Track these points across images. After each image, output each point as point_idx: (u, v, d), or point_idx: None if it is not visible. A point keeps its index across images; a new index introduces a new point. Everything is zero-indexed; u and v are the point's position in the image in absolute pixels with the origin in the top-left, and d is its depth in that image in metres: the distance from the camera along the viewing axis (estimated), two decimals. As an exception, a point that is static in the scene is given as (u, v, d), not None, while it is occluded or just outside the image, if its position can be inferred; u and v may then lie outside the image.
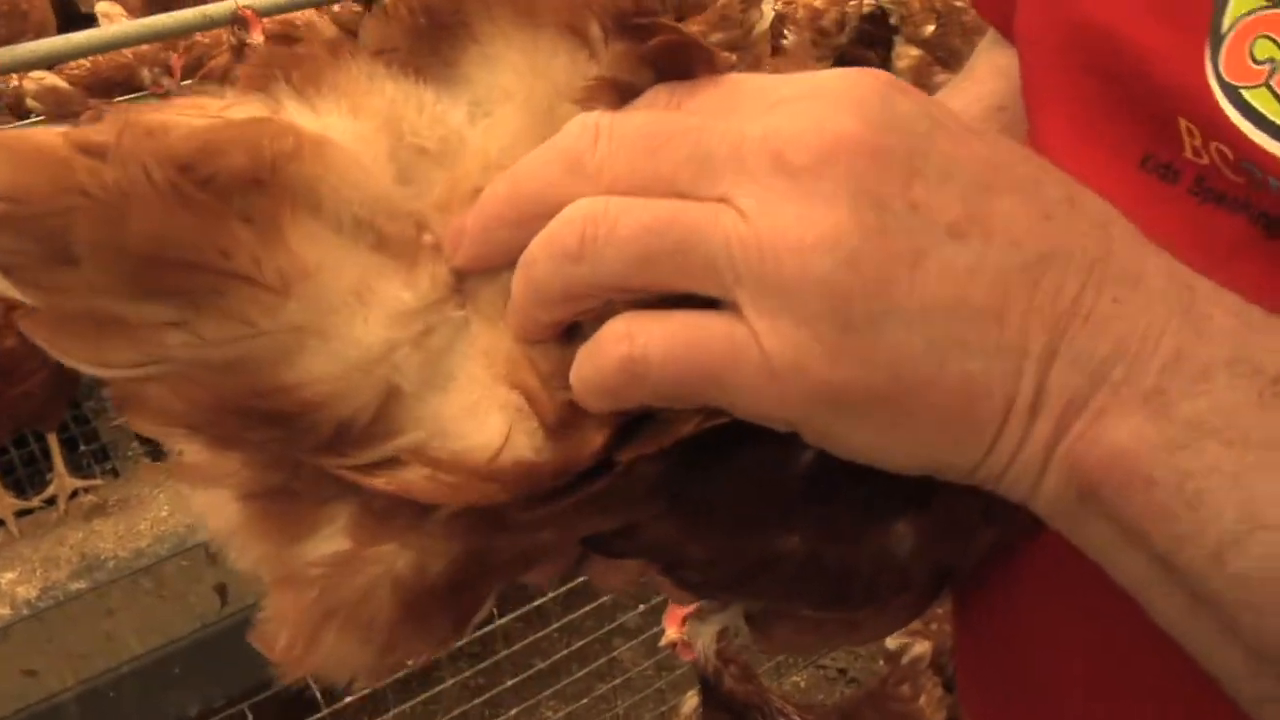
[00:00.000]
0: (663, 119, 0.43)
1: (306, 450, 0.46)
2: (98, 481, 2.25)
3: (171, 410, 0.44)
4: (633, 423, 0.47)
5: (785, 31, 3.13)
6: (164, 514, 2.17)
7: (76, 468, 2.28)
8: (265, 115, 0.44)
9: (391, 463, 0.46)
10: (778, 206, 0.39)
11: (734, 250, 0.40)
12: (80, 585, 2.01)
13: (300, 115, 0.46)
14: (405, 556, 0.50)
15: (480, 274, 0.47)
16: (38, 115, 2.86)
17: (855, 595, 0.58)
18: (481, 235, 0.45)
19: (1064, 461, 0.42)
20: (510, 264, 0.45)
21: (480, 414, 0.46)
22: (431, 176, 0.46)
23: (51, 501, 2.17)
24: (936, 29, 3.12)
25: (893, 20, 3.26)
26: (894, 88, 0.42)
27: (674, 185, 0.41)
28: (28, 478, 2.28)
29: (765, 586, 0.57)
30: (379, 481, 0.45)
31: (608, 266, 0.41)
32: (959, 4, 3.11)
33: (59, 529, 2.10)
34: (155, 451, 2.33)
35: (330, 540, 0.50)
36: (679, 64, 0.45)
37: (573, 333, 0.47)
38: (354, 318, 0.44)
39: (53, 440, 2.18)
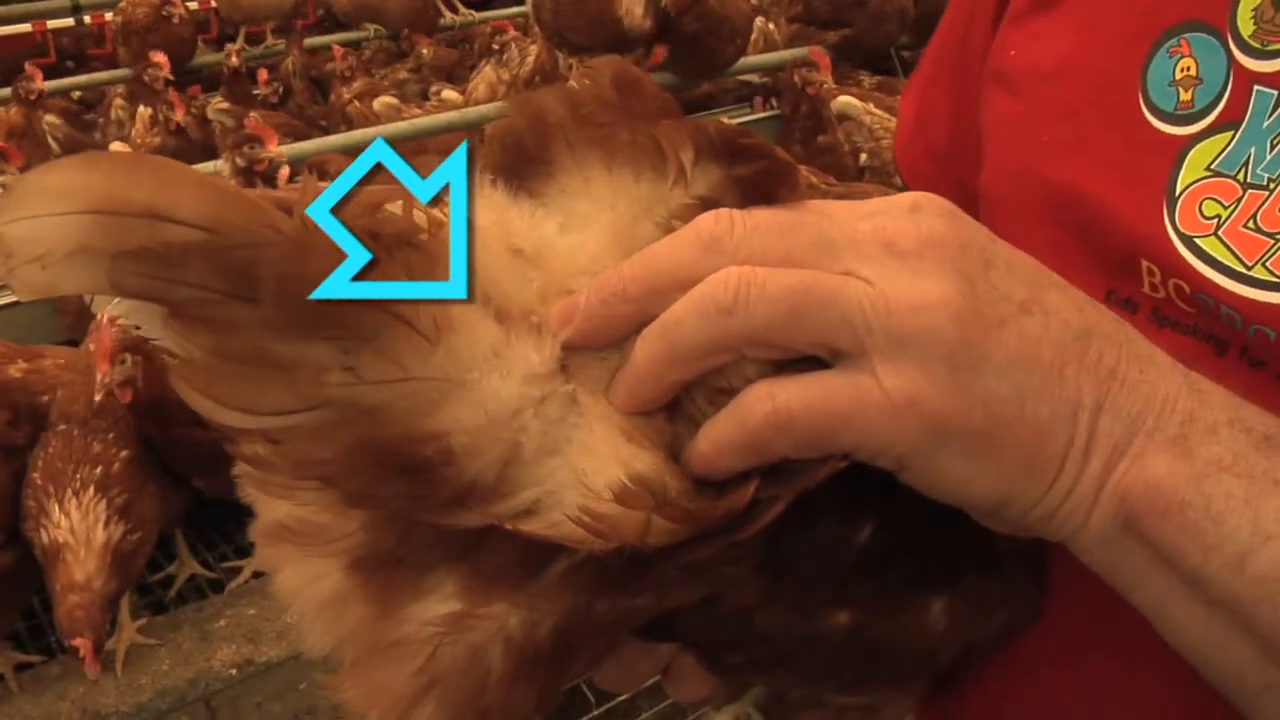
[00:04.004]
0: (787, 213, 0.51)
1: (434, 505, 0.48)
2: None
3: (315, 459, 0.46)
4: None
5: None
6: (165, 668, 2.13)
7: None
8: None
9: (525, 514, 0.49)
10: (895, 277, 0.49)
11: (865, 308, 0.48)
12: (81, 742, 1.96)
13: None
14: (517, 615, 0.52)
15: (584, 355, 0.51)
16: None
17: (885, 675, 0.63)
18: (599, 309, 0.50)
19: (1112, 494, 0.51)
20: (619, 340, 0.51)
21: (609, 472, 0.49)
22: (528, 275, 0.51)
23: (51, 655, 2.13)
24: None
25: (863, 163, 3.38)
26: (957, 207, 0.53)
27: (802, 262, 0.49)
28: (27, 631, 2.24)
29: (803, 666, 0.61)
30: (534, 526, 0.48)
31: (757, 319, 0.48)
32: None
33: (60, 683, 2.05)
34: (157, 604, 2.30)
35: (441, 603, 0.52)
36: (769, 189, 0.52)
37: (672, 410, 0.52)
38: (493, 372, 0.47)
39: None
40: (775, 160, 0.52)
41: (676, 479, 0.50)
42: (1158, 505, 0.50)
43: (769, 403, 0.49)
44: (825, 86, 3.36)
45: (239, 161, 2.67)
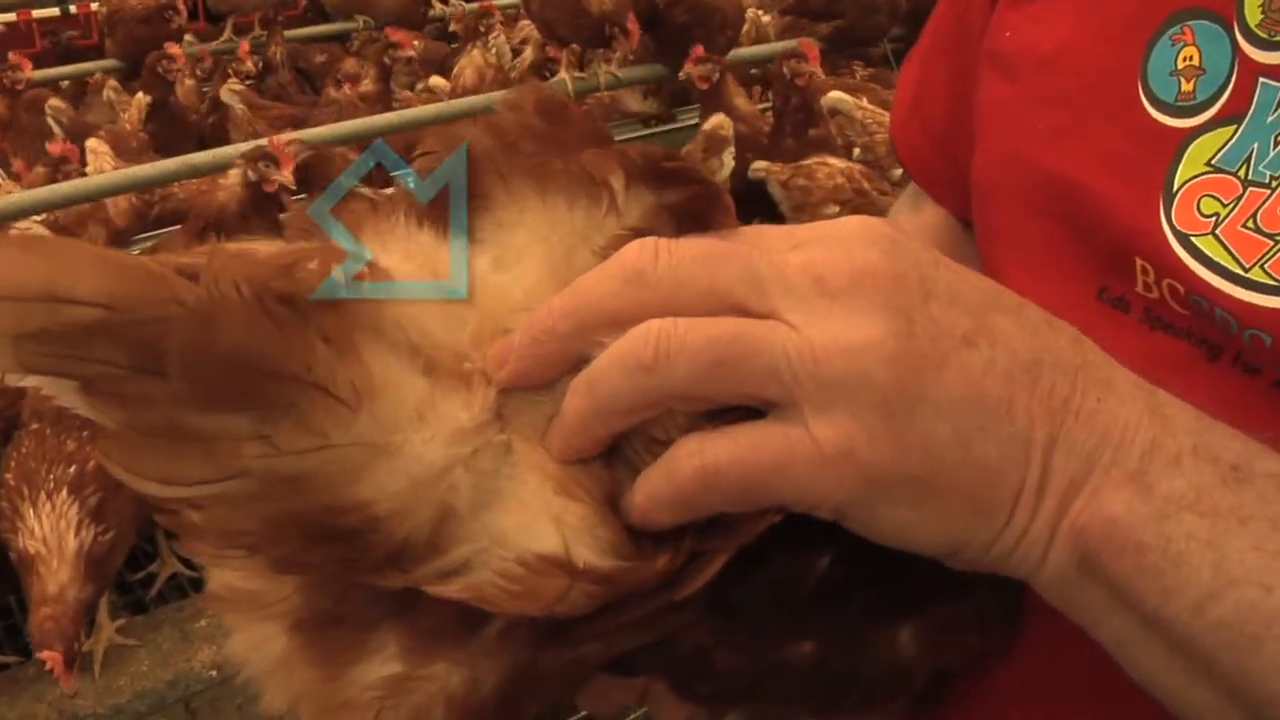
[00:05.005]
0: (715, 243, 0.49)
1: (365, 568, 0.47)
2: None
3: (238, 529, 0.45)
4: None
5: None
6: (144, 669, 2.11)
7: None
8: (335, 245, 0.47)
9: (452, 575, 0.47)
10: (824, 320, 0.46)
11: (791, 356, 0.46)
12: (58, 744, 1.95)
13: None
14: (458, 674, 0.51)
15: (519, 400, 0.49)
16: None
17: (854, 701, 0.61)
18: (530, 349, 0.49)
19: (1068, 533, 0.48)
20: (553, 382, 0.49)
21: (536, 528, 0.48)
22: (463, 316, 0.50)
23: (28, 656, 2.11)
24: (905, 174, 3.16)
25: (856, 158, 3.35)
26: (898, 230, 0.50)
27: (729, 298, 0.47)
28: (3, 631, 2.22)
29: (773, 695, 0.59)
30: (452, 590, 0.46)
31: (680, 375, 0.46)
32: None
33: (36, 685, 2.04)
34: (137, 604, 2.29)
35: (383, 665, 0.51)
36: (702, 215, 0.51)
37: (611, 456, 0.50)
38: (417, 435, 0.46)
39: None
40: (704, 185, 0.51)
41: (608, 531, 0.48)
42: (1114, 544, 0.48)
43: (697, 458, 0.47)
44: (813, 77, 3.32)
45: (250, 175, 2.65)
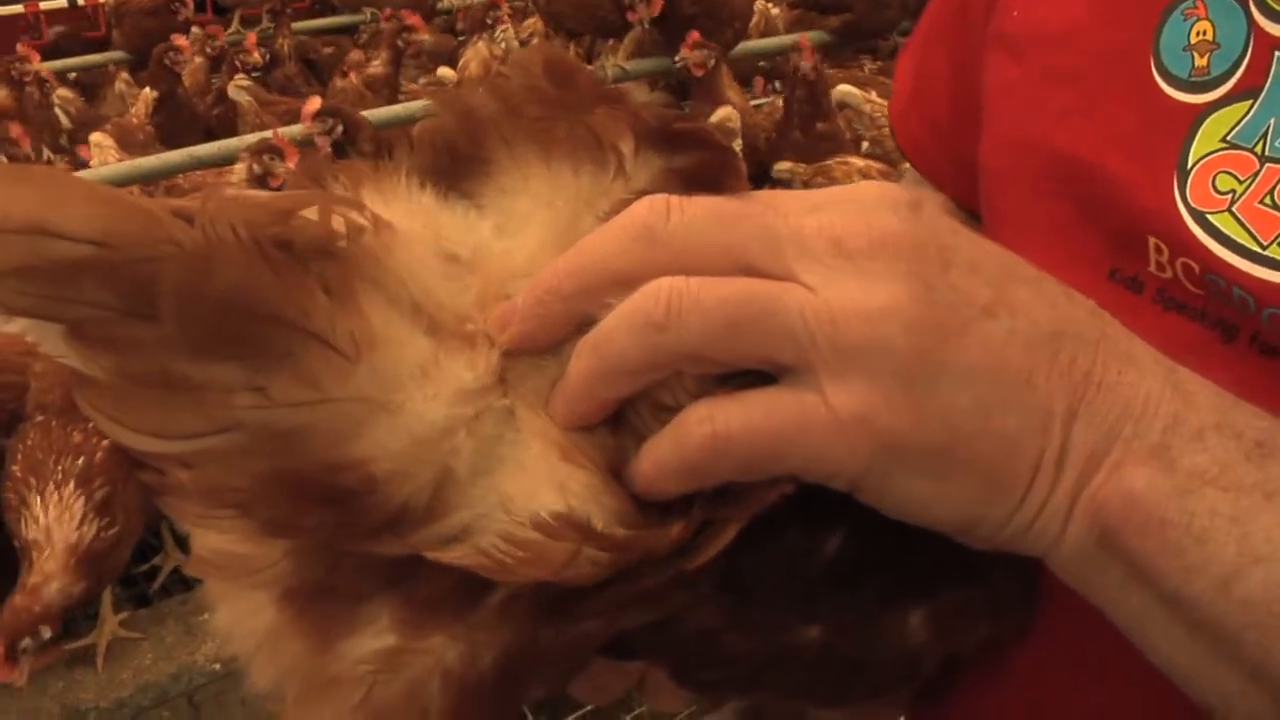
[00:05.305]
0: (729, 202, 0.47)
1: (361, 534, 0.45)
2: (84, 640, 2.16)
3: (228, 486, 0.43)
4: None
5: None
6: (147, 662, 2.10)
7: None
8: (335, 193, 0.46)
9: (453, 540, 0.45)
10: (842, 283, 0.44)
11: (808, 319, 0.44)
12: (61, 737, 1.94)
13: None
14: (455, 648, 0.49)
15: (523, 365, 0.48)
16: None
17: (862, 689, 0.59)
18: (534, 309, 0.47)
19: (1087, 508, 0.47)
20: (558, 345, 0.48)
21: (540, 496, 0.46)
22: (465, 281, 0.48)
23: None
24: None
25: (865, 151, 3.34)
26: (915, 198, 0.49)
27: (744, 257, 0.45)
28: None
29: (777, 682, 0.57)
30: (454, 555, 0.44)
31: (691, 334, 0.44)
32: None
33: (40, 678, 2.02)
34: (140, 597, 2.28)
35: (375, 638, 0.49)
36: (713, 179, 0.49)
37: (617, 424, 0.48)
38: (419, 393, 0.44)
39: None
40: (715, 149, 0.50)
41: (614, 499, 0.47)
42: (1135, 520, 0.46)
43: (708, 425, 0.45)
44: (822, 71, 3.31)
45: (255, 168, 2.63)
